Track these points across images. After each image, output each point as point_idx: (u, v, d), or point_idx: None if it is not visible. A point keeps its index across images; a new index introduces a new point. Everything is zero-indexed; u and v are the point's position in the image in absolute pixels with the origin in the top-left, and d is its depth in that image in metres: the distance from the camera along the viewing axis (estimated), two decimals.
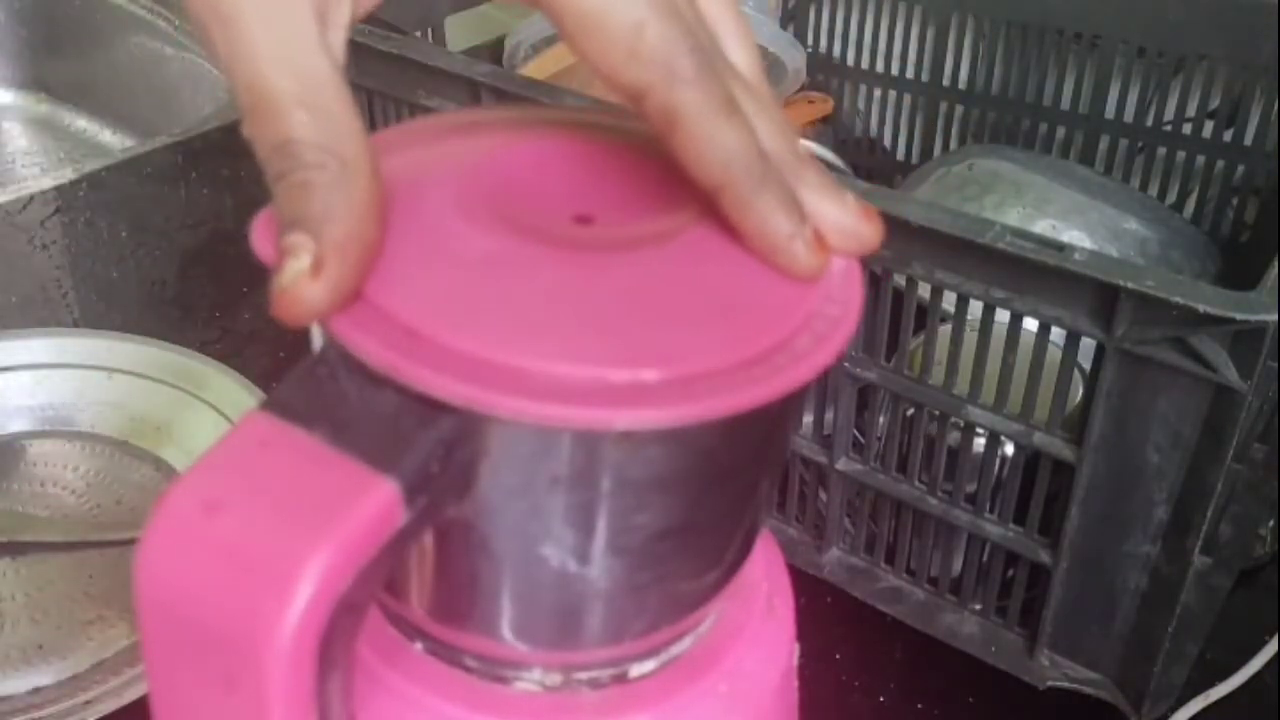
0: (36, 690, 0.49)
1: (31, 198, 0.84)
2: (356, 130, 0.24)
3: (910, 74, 0.80)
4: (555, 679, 0.29)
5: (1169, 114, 0.70)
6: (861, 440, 0.52)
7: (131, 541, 0.55)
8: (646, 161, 0.28)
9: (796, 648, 0.34)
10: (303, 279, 0.22)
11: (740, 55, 0.28)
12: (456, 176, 0.27)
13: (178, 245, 0.82)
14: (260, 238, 0.24)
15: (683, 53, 0.24)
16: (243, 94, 0.24)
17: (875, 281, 0.46)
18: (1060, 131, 0.75)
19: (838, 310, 0.25)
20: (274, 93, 0.24)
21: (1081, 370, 0.46)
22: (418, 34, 0.68)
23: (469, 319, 0.23)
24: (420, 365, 0.22)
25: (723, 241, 0.26)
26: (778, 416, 0.27)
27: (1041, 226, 0.62)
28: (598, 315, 0.23)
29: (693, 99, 0.24)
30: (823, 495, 0.54)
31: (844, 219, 0.26)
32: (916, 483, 0.50)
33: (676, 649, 0.30)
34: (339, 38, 0.26)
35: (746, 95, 0.26)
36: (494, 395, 0.22)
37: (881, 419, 0.50)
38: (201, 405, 0.61)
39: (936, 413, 0.48)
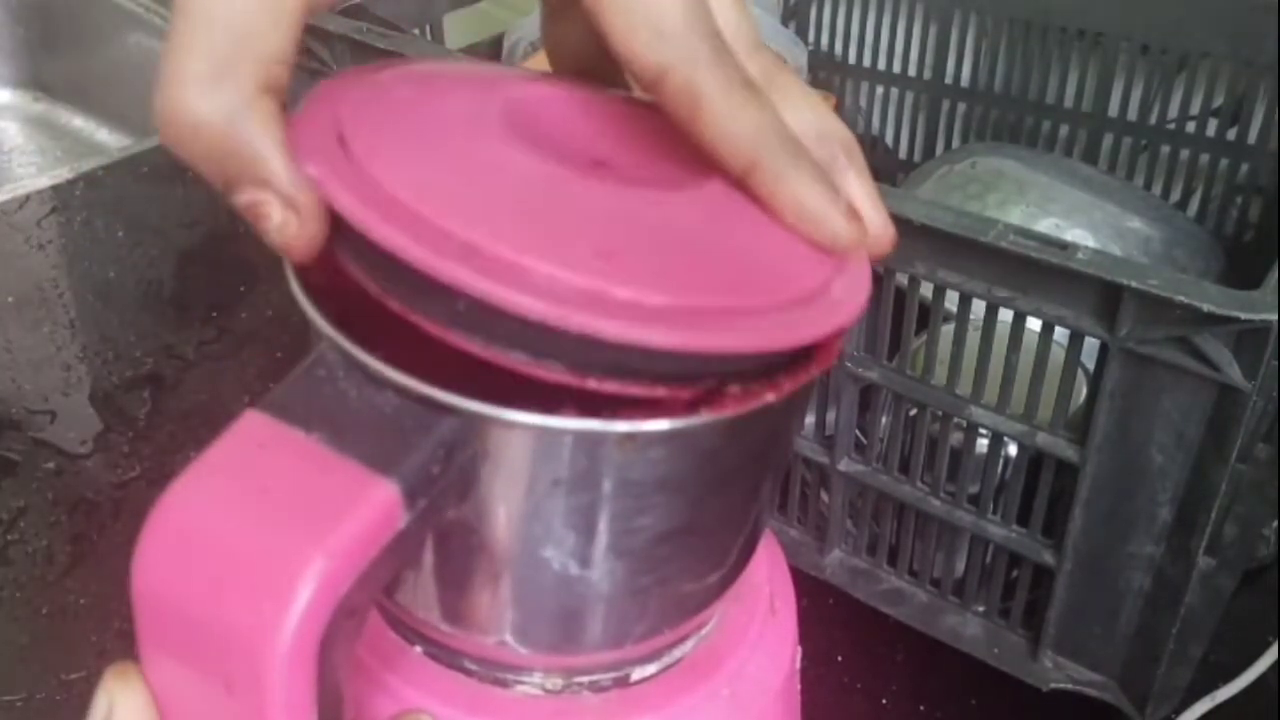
0: None
1: (28, 197, 0.84)
2: (247, 55, 0.24)
3: (912, 71, 0.80)
4: (556, 682, 0.29)
5: (1172, 112, 0.70)
6: (864, 441, 0.52)
7: None
8: (654, 124, 0.28)
9: (799, 650, 0.34)
10: (290, 230, 0.23)
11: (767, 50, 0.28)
12: (477, 106, 0.27)
13: (175, 244, 0.81)
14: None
15: (703, 36, 0.25)
16: None
17: (877, 281, 0.46)
18: (1063, 129, 0.74)
19: (855, 271, 0.26)
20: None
21: (1085, 370, 0.45)
22: (416, 31, 0.68)
23: (485, 219, 0.22)
24: (427, 249, 0.21)
25: (739, 201, 0.26)
26: (781, 415, 0.27)
27: (1045, 225, 0.62)
28: (658, 250, 0.23)
29: (714, 78, 0.25)
30: (825, 496, 0.54)
31: (875, 216, 0.27)
32: (919, 483, 0.50)
33: (678, 652, 0.30)
34: None
35: (793, 83, 0.27)
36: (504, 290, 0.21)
37: (884, 419, 0.50)
38: None
39: (939, 413, 0.48)
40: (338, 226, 0.23)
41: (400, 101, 0.26)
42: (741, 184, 0.26)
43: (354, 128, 0.24)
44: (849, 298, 0.25)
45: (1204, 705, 0.50)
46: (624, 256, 0.22)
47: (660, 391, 0.22)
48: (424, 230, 0.21)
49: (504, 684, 0.29)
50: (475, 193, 0.23)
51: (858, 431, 0.52)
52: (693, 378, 0.23)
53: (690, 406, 0.23)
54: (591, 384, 0.22)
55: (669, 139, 0.27)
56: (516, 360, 0.22)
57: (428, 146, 0.24)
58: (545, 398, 0.22)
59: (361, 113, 0.25)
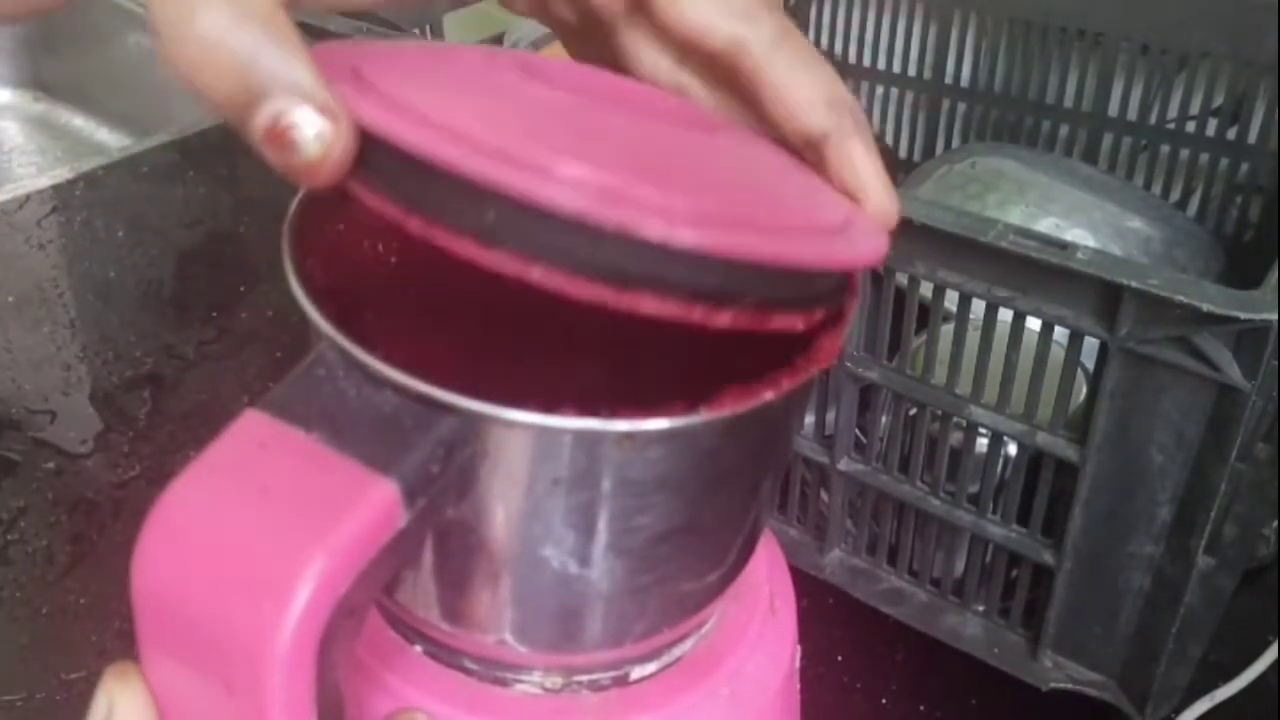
0: None
1: (28, 197, 0.84)
2: None
3: (912, 71, 0.80)
4: (556, 681, 0.29)
5: (1172, 111, 0.70)
6: (863, 440, 0.52)
7: None
8: (670, 97, 0.28)
9: (798, 649, 0.34)
10: (328, 137, 0.21)
11: None
12: (493, 62, 0.27)
13: (175, 244, 0.81)
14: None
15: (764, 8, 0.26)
16: None
17: (877, 280, 0.46)
18: (1063, 129, 0.74)
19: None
20: None
21: (1085, 370, 0.45)
22: (416, 31, 0.68)
23: (514, 129, 0.22)
24: (462, 151, 0.20)
25: (760, 148, 0.26)
26: (780, 414, 0.27)
27: (1045, 225, 0.62)
28: (688, 170, 0.24)
29: (789, 53, 0.26)
30: (824, 496, 0.54)
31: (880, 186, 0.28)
32: (919, 483, 0.50)
33: (678, 651, 0.30)
34: None
35: (804, 46, 0.28)
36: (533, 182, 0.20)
37: (884, 419, 0.50)
38: None
39: (939, 413, 0.48)
40: (359, 155, 0.22)
41: (415, 54, 0.26)
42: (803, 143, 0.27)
43: (371, 68, 0.23)
44: (872, 237, 0.25)
45: (1204, 705, 0.50)
46: (656, 170, 0.22)
47: (696, 312, 0.21)
48: (454, 138, 0.20)
49: (504, 683, 0.29)
50: (503, 116, 0.23)
51: (857, 431, 0.52)
52: (729, 296, 0.22)
53: (689, 406, 0.23)
54: (626, 300, 0.21)
55: (686, 104, 0.27)
56: (549, 274, 0.21)
57: (449, 82, 0.24)
58: (544, 397, 0.22)
59: (377, 59, 0.24)
